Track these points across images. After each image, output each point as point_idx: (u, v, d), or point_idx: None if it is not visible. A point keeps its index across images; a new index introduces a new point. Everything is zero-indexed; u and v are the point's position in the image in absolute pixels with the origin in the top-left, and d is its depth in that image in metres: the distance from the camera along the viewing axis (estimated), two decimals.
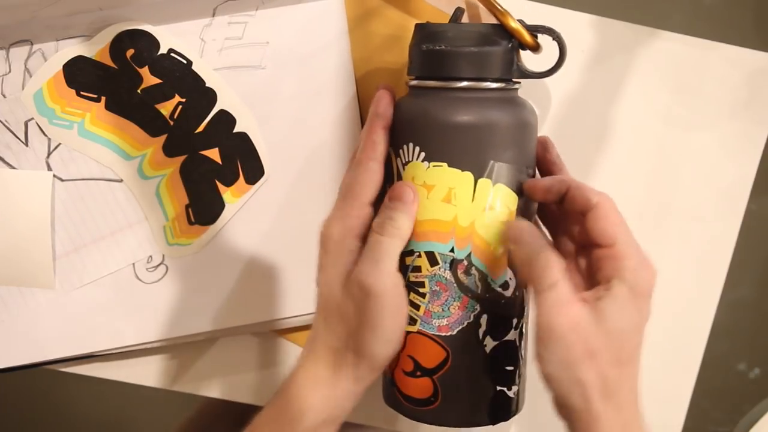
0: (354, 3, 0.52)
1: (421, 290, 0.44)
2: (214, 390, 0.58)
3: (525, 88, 0.47)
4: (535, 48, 0.45)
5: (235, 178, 0.53)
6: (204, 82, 0.52)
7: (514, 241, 0.42)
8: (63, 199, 0.53)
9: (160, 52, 0.51)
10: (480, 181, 0.43)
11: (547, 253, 0.40)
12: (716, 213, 0.56)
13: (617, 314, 0.40)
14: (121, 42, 0.51)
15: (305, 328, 0.56)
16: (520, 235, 0.42)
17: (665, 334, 0.56)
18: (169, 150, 0.53)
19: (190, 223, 0.53)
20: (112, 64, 0.51)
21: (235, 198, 0.53)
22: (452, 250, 0.43)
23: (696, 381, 0.58)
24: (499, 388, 0.45)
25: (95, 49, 0.51)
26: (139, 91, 0.52)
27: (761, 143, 0.56)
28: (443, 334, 0.44)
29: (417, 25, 0.45)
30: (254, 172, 0.53)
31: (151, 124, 0.52)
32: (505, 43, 0.44)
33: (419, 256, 0.44)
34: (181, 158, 0.53)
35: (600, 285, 0.41)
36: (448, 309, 0.44)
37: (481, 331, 0.44)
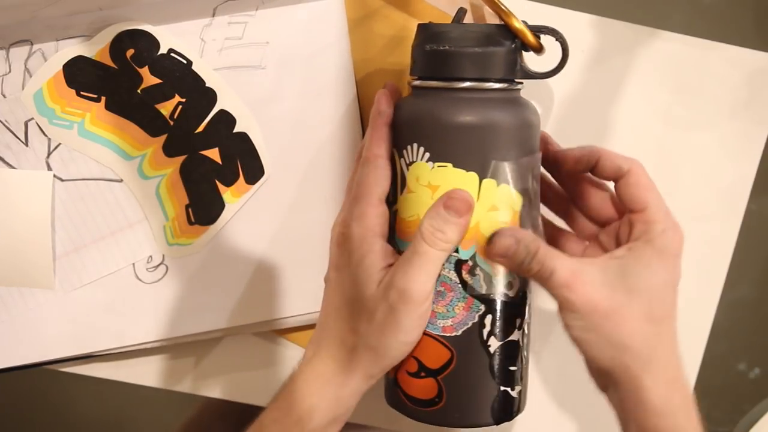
0: (354, 3, 0.52)
1: None
2: (214, 390, 0.58)
3: (525, 89, 0.47)
4: (539, 49, 0.45)
5: (235, 178, 0.53)
6: (204, 82, 0.52)
7: (500, 257, 0.43)
8: (63, 199, 0.53)
9: (160, 52, 0.51)
10: (485, 181, 0.43)
11: (534, 254, 0.41)
12: (716, 213, 0.56)
13: (641, 272, 0.41)
14: (121, 42, 0.51)
15: (305, 328, 0.56)
16: (505, 251, 0.42)
17: None
18: (169, 150, 0.52)
19: (190, 223, 0.53)
20: (112, 64, 0.51)
21: (235, 198, 0.53)
22: (457, 251, 0.43)
23: (696, 381, 0.58)
24: (503, 388, 0.45)
25: (95, 49, 0.51)
26: (139, 91, 0.52)
27: (761, 143, 0.56)
28: (448, 334, 0.44)
29: (420, 26, 0.45)
30: (254, 172, 0.53)
31: (151, 124, 0.52)
32: (509, 43, 0.44)
33: None
34: (181, 158, 0.53)
35: (625, 244, 0.43)
36: (453, 309, 0.44)
37: (485, 332, 0.44)
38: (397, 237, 0.45)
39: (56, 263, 0.53)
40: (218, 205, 0.53)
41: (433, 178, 0.43)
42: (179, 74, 0.52)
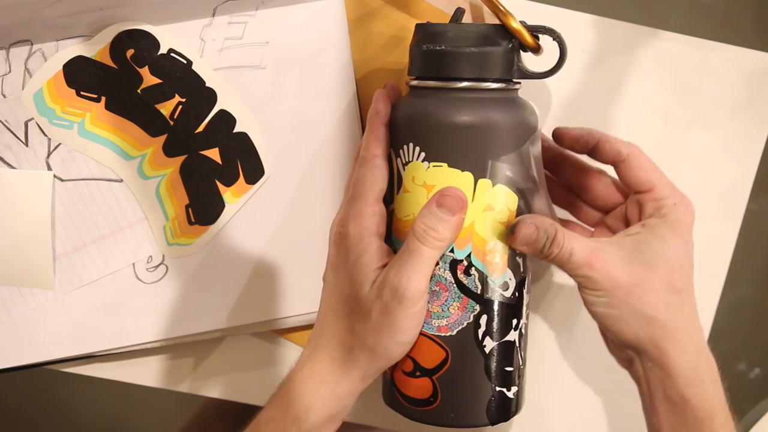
0: (354, 3, 0.52)
1: None
2: (214, 390, 0.58)
3: (525, 89, 0.47)
4: (536, 49, 0.45)
5: (235, 178, 0.53)
6: (204, 82, 0.52)
7: (522, 245, 0.43)
8: (63, 199, 0.53)
9: (160, 52, 0.51)
10: (480, 181, 0.43)
11: (552, 238, 0.42)
12: (716, 213, 0.56)
13: (657, 246, 0.43)
14: (121, 42, 0.51)
15: (305, 328, 0.56)
16: (527, 240, 0.43)
17: None
18: (169, 150, 0.53)
19: (190, 223, 0.53)
20: (112, 64, 0.51)
21: (235, 198, 0.53)
22: (452, 251, 0.43)
23: None
24: (498, 388, 0.45)
25: (95, 49, 0.51)
26: (139, 91, 0.52)
27: (761, 143, 0.56)
28: (443, 334, 0.44)
29: (417, 26, 0.45)
30: (254, 172, 0.53)
31: (151, 124, 0.52)
32: (506, 43, 0.44)
33: None
34: (181, 158, 0.53)
35: (638, 222, 0.44)
36: (448, 309, 0.44)
37: (480, 332, 0.44)
38: (393, 236, 0.45)
39: (56, 263, 0.53)
40: (218, 205, 0.53)
41: (428, 178, 0.43)
42: (179, 74, 0.52)
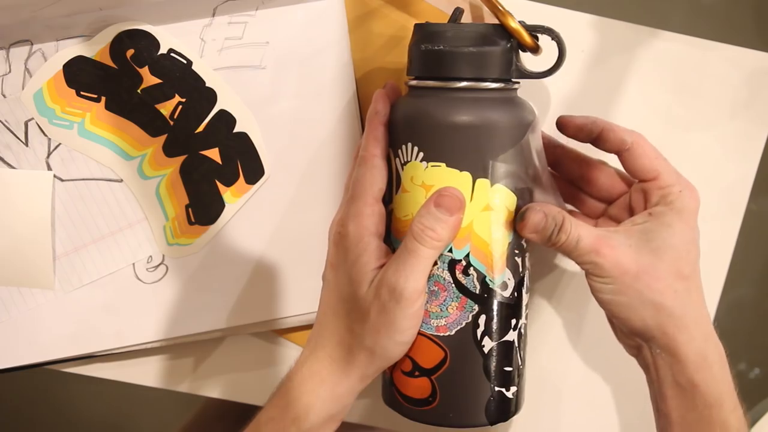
0: (354, 3, 0.52)
1: None
2: (214, 390, 0.58)
3: (525, 89, 0.47)
4: (535, 49, 0.45)
5: (235, 178, 0.53)
6: (204, 82, 0.52)
7: (531, 233, 0.43)
8: (63, 199, 0.53)
9: (160, 52, 0.51)
10: (478, 181, 0.43)
11: (560, 225, 0.43)
12: (716, 213, 0.56)
13: (664, 233, 0.43)
14: (121, 42, 0.51)
15: (305, 328, 0.56)
16: (536, 227, 0.43)
17: None
18: (169, 150, 0.53)
19: (190, 223, 0.53)
20: (112, 64, 0.51)
21: (235, 198, 0.53)
22: (450, 250, 0.43)
23: None
24: (497, 388, 0.45)
25: (95, 49, 0.51)
26: (139, 91, 0.52)
27: (761, 143, 0.56)
28: (441, 334, 0.44)
29: (416, 26, 0.45)
30: (254, 172, 0.53)
31: (151, 124, 0.52)
32: (504, 43, 0.44)
33: None
34: (181, 158, 0.53)
35: (643, 211, 0.45)
36: (446, 309, 0.44)
37: (479, 332, 0.44)
38: (392, 236, 0.45)
39: (56, 263, 0.53)
40: (218, 205, 0.53)
41: (426, 178, 0.43)
42: (179, 74, 0.52)
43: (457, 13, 0.46)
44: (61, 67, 0.51)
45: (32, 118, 0.52)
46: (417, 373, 0.45)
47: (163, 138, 0.52)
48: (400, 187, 0.44)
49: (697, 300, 0.44)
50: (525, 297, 0.46)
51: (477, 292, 0.44)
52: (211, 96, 0.52)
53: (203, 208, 0.53)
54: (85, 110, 0.52)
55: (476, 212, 0.43)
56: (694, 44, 0.55)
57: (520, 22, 0.45)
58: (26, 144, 0.52)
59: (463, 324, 0.44)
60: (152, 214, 0.53)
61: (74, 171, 0.53)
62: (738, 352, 1.36)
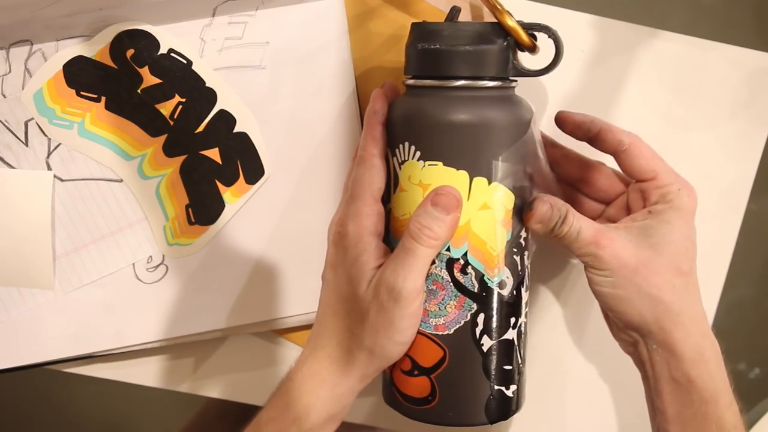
0: (354, 2, 0.52)
1: None
2: (214, 390, 0.58)
3: (525, 89, 0.47)
4: (532, 48, 0.45)
5: (235, 178, 0.53)
6: (204, 82, 0.52)
7: (538, 223, 0.44)
8: (63, 199, 0.53)
9: (160, 52, 0.51)
10: (475, 179, 0.43)
11: (564, 216, 0.43)
12: (716, 213, 0.56)
13: (664, 229, 0.43)
14: (121, 42, 0.51)
15: (305, 328, 0.56)
16: (542, 218, 0.43)
17: None
18: (169, 150, 0.53)
19: (190, 223, 0.53)
20: (112, 64, 0.51)
21: (235, 198, 0.53)
22: (448, 249, 0.43)
23: None
24: (497, 387, 0.45)
25: (95, 49, 0.51)
26: (139, 91, 0.52)
27: (761, 143, 0.56)
28: (440, 333, 0.44)
29: (413, 25, 0.45)
30: (254, 171, 0.53)
31: (151, 124, 0.52)
32: (501, 41, 0.44)
33: None
34: (181, 158, 0.53)
35: (643, 209, 0.45)
36: (445, 308, 0.44)
37: (478, 330, 0.44)
38: (391, 236, 0.45)
39: (56, 263, 0.53)
40: (218, 205, 0.53)
41: (423, 177, 0.43)
42: (179, 74, 0.52)
43: (454, 11, 0.46)
44: (61, 67, 0.51)
45: (32, 118, 0.52)
46: (416, 372, 0.45)
47: (163, 138, 0.52)
48: (397, 186, 0.44)
49: (695, 297, 0.44)
50: (525, 295, 0.46)
51: (475, 290, 0.44)
52: (211, 96, 0.52)
53: (203, 208, 0.53)
54: (85, 110, 0.52)
55: (474, 211, 0.43)
56: (694, 44, 0.55)
57: (517, 21, 0.45)
58: (26, 144, 0.52)
59: (462, 323, 0.44)
60: (152, 214, 0.53)
61: (74, 171, 0.53)
62: (738, 352, 1.36)
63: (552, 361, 0.57)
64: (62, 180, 0.53)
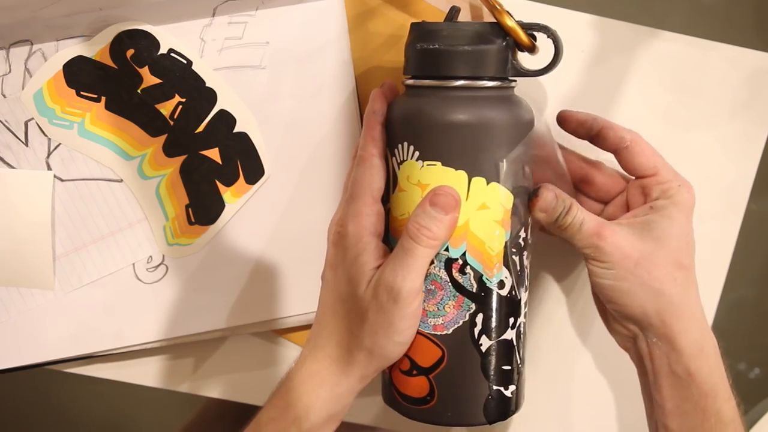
0: (354, 2, 0.52)
1: None
2: (214, 390, 0.58)
3: (526, 90, 0.47)
4: (531, 48, 0.45)
5: (235, 178, 0.53)
6: (204, 82, 0.52)
7: (542, 211, 0.44)
8: (63, 199, 0.53)
9: (160, 52, 0.51)
10: (474, 179, 0.43)
11: (568, 208, 0.44)
12: (716, 213, 0.56)
13: (665, 224, 0.44)
14: (121, 42, 0.51)
15: (305, 328, 0.56)
16: (547, 206, 0.44)
17: None
18: (169, 150, 0.53)
19: (190, 223, 0.53)
20: (112, 64, 0.51)
21: (235, 198, 0.53)
22: (447, 249, 0.43)
23: None
24: (495, 387, 0.45)
25: (95, 49, 0.51)
26: (139, 91, 0.52)
27: (761, 143, 0.56)
28: (439, 333, 0.44)
29: (412, 25, 0.45)
30: (254, 171, 0.53)
31: (151, 124, 0.52)
32: (500, 41, 0.44)
33: None
34: (181, 158, 0.53)
35: (644, 205, 0.46)
36: (443, 308, 0.44)
37: (476, 330, 0.44)
38: (390, 236, 0.45)
39: (56, 263, 0.53)
40: (218, 205, 0.53)
41: (422, 177, 0.43)
42: (179, 74, 0.52)
43: (453, 11, 0.46)
44: (61, 67, 0.51)
45: (32, 118, 0.52)
46: (415, 372, 0.45)
47: (163, 138, 0.52)
48: (396, 186, 0.45)
49: (694, 291, 0.45)
50: (524, 296, 0.46)
51: (474, 290, 0.44)
52: (211, 96, 0.52)
53: (203, 208, 0.53)
54: (85, 110, 0.52)
55: (472, 211, 0.43)
56: (694, 44, 0.55)
57: (517, 21, 0.45)
58: (26, 144, 0.52)
59: (461, 323, 0.44)
60: (152, 214, 0.53)
61: (74, 171, 0.53)
62: (738, 352, 1.36)
63: (552, 361, 0.57)
64: (62, 180, 0.53)
